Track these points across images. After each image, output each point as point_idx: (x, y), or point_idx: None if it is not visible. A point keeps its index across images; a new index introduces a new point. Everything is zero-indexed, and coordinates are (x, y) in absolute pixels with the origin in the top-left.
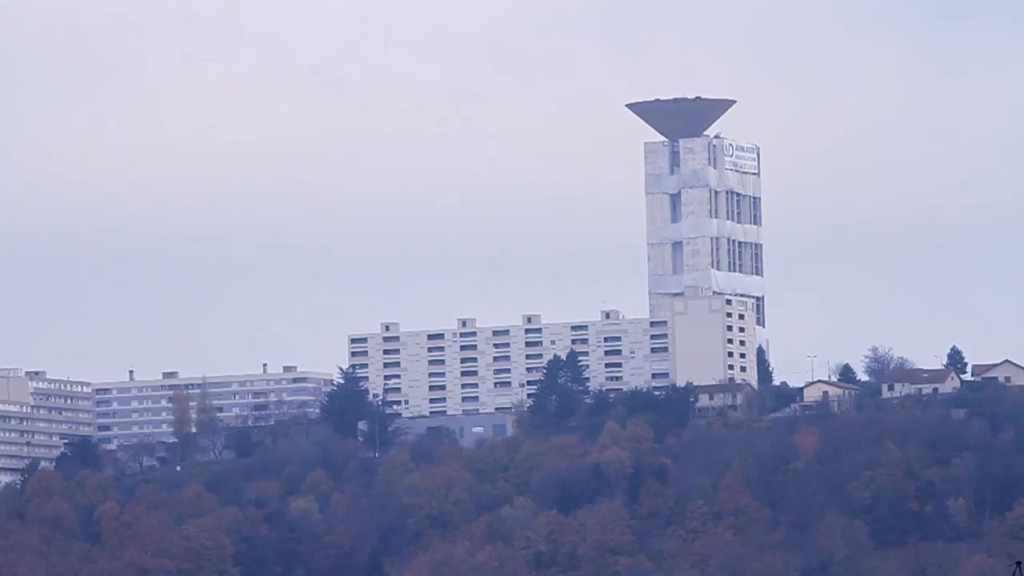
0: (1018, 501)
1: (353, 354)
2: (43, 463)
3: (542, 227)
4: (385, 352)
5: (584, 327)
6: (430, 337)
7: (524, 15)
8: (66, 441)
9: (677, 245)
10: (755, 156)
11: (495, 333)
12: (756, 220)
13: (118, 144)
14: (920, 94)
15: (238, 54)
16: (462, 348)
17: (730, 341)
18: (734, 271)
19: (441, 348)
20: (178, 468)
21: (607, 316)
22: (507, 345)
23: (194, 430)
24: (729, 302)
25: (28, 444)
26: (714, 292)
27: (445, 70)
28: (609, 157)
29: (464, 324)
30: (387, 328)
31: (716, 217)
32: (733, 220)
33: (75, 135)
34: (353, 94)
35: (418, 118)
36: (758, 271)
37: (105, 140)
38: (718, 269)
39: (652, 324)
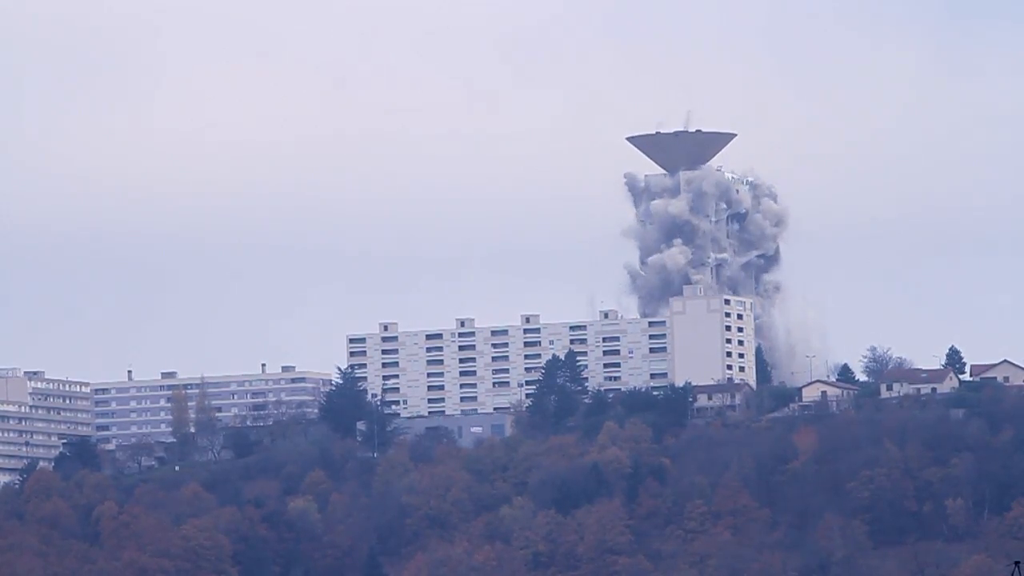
0: (1017, 501)
1: (351, 354)
2: (41, 463)
3: (542, 227)
4: (383, 352)
5: (583, 327)
6: (428, 337)
7: (529, 16)
8: (65, 441)
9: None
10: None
11: (494, 333)
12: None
13: (118, 144)
14: (920, 95)
15: (239, 54)
16: (460, 348)
17: (728, 341)
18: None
19: (440, 348)
20: (176, 468)
21: (605, 316)
22: (506, 345)
23: (192, 430)
24: (728, 302)
25: (27, 444)
26: (713, 292)
27: (445, 71)
28: (610, 155)
29: (463, 324)
30: (385, 328)
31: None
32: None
33: (75, 135)
34: (356, 94)
35: (419, 118)
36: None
37: (105, 140)
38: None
39: (651, 324)
